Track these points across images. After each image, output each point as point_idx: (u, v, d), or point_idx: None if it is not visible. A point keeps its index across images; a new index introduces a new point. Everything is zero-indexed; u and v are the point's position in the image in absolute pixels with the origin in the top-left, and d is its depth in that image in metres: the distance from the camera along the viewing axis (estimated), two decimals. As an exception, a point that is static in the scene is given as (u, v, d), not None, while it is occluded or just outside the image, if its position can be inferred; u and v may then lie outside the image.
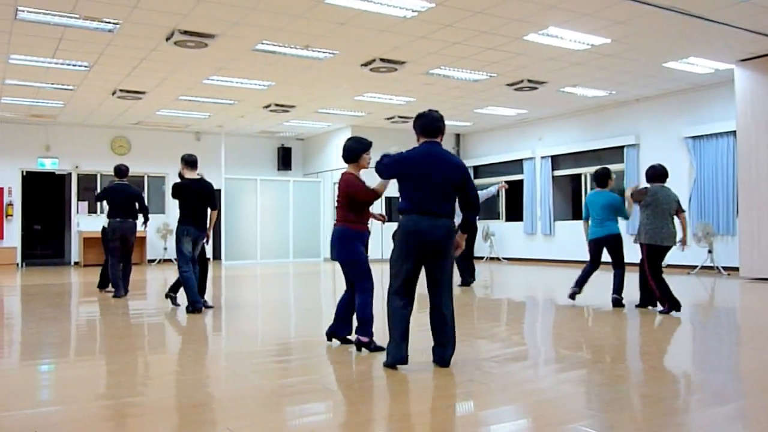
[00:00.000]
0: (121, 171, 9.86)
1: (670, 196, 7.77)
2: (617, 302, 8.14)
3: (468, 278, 11.06)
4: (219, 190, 16.98)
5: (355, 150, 5.59)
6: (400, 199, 4.95)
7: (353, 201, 5.56)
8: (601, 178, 8.53)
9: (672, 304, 7.53)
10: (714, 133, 13.36)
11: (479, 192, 10.96)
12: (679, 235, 7.75)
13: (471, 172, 19.75)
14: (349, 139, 5.70)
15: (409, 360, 4.76)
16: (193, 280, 7.86)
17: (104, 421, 3.66)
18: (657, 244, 7.64)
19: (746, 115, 11.63)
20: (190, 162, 8.07)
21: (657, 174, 7.92)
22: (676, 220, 7.76)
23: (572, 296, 8.49)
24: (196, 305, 7.80)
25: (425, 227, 4.75)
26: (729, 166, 13.06)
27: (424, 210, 4.77)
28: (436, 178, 4.78)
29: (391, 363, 4.74)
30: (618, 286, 8.23)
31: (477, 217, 4.93)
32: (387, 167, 4.97)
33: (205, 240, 8.14)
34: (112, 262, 9.68)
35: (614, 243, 8.44)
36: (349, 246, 5.65)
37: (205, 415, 3.79)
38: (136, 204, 9.78)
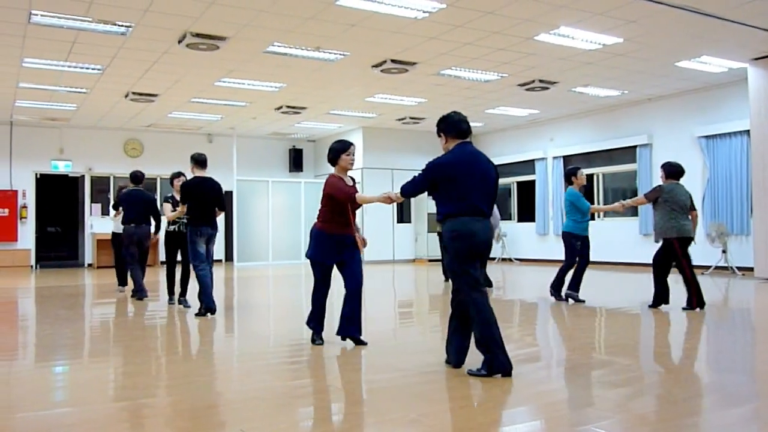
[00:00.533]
0: (136, 177, 9.99)
1: (686, 194, 7.78)
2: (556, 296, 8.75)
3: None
4: (231, 192, 17.06)
5: (335, 150, 5.83)
6: (437, 205, 4.82)
7: (331, 201, 5.67)
8: (566, 177, 8.78)
9: (698, 300, 7.59)
10: (727, 132, 13.27)
11: None
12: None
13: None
14: (333, 142, 5.89)
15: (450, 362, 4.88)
16: (208, 280, 7.83)
17: (118, 423, 3.67)
18: (686, 236, 7.67)
19: (760, 114, 11.54)
20: (200, 161, 8.08)
21: (675, 171, 7.91)
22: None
23: (563, 297, 8.67)
24: (209, 307, 7.75)
25: (482, 229, 4.64)
26: (743, 166, 12.97)
27: (478, 212, 4.64)
28: (483, 178, 4.68)
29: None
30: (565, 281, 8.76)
31: None
32: (423, 174, 4.78)
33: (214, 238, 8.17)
34: (132, 266, 9.76)
35: (563, 239, 8.83)
36: (312, 245, 5.82)
37: (217, 417, 3.80)
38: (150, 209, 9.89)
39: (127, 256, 9.82)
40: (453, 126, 4.82)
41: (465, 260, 4.63)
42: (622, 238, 15.45)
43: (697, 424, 3.64)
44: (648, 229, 14.73)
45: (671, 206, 7.65)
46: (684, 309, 7.71)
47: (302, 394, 4.32)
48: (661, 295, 7.82)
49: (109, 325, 7.91)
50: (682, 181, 7.95)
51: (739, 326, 7.41)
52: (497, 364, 4.50)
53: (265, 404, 4.06)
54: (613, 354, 5.58)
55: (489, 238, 4.70)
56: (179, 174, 9.03)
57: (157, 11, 8.64)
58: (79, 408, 4.02)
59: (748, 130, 12.21)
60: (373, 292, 11.58)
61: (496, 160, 19.23)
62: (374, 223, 18.41)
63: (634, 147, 15.20)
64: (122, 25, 9.18)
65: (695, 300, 7.60)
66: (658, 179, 14.52)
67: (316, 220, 5.82)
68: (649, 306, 7.92)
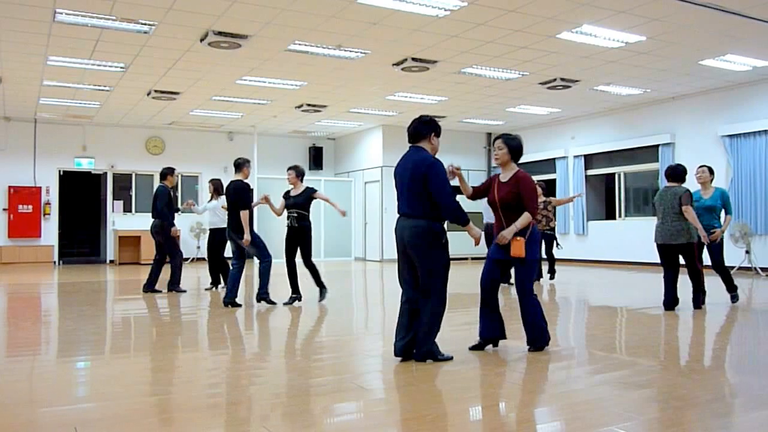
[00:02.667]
0: (161, 174, 10.28)
1: (669, 195, 7.68)
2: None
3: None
4: (251, 190, 17.12)
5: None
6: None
7: None
8: None
9: (667, 302, 7.72)
10: (752, 131, 13.12)
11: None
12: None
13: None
14: None
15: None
16: (235, 276, 8.37)
17: (143, 418, 3.70)
18: (657, 242, 7.80)
19: (786, 113, 11.39)
20: (234, 165, 8.66)
21: (666, 174, 7.95)
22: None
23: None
24: (226, 300, 8.34)
25: (398, 228, 5.04)
26: (767, 165, 12.81)
27: (399, 211, 5.07)
28: (405, 178, 4.97)
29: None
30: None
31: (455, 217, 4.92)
32: None
33: (242, 241, 8.32)
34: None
35: None
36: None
37: (241, 413, 3.83)
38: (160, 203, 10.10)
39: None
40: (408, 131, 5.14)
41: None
42: (643, 238, 15.30)
43: (722, 426, 3.60)
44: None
45: (658, 210, 7.82)
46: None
47: (323, 391, 4.33)
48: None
49: (130, 321, 7.98)
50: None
51: (763, 327, 7.31)
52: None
53: (288, 401, 4.08)
54: (635, 354, 5.54)
55: (401, 236, 4.99)
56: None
57: (180, 10, 8.70)
58: (105, 403, 4.06)
59: (773, 130, 12.06)
60: (393, 291, 11.59)
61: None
62: (393, 222, 18.36)
63: (657, 146, 15.06)
64: (145, 24, 9.25)
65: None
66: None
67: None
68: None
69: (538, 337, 5.36)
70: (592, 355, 5.46)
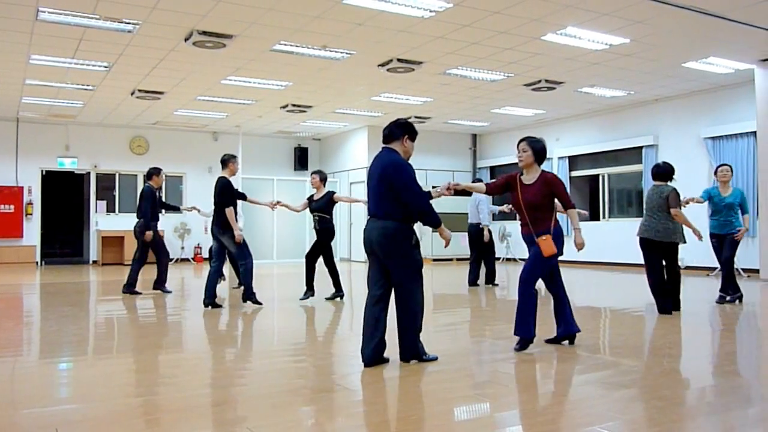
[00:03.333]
0: (147, 174, 10.25)
1: (655, 194, 7.73)
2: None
3: (475, 280, 11.25)
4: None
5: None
6: None
7: None
8: None
9: (666, 305, 7.67)
10: (734, 133, 13.23)
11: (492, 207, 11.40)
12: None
13: (487, 172, 19.69)
14: None
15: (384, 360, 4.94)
16: (211, 276, 8.34)
17: (126, 419, 3.68)
18: (639, 236, 7.83)
19: (767, 116, 11.50)
20: (220, 161, 8.67)
21: (652, 172, 8.00)
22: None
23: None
24: (206, 301, 8.31)
25: (367, 229, 5.03)
26: (749, 167, 12.93)
27: (369, 212, 5.09)
28: (373, 179, 5.04)
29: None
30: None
31: (426, 217, 4.95)
32: None
33: (229, 238, 8.28)
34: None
35: None
36: None
37: (224, 415, 3.81)
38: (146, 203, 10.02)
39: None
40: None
41: None
42: (627, 239, 15.39)
43: (704, 425, 3.63)
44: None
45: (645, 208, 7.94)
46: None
47: (307, 392, 4.32)
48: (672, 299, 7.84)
49: (113, 321, 7.92)
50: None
51: (745, 328, 7.38)
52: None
53: (271, 402, 4.06)
54: (618, 355, 5.57)
55: (369, 237, 4.97)
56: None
57: (164, 9, 8.65)
58: (85, 404, 4.03)
59: (755, 132, 12.18)
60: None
61: (501, 160, 19.25)
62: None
63: (640, 148, 15.16)
64: (129, 23, 9.19)
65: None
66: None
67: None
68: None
69: (526, 334, 5.45)
70: (575, 356, 5.48)
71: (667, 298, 7.59)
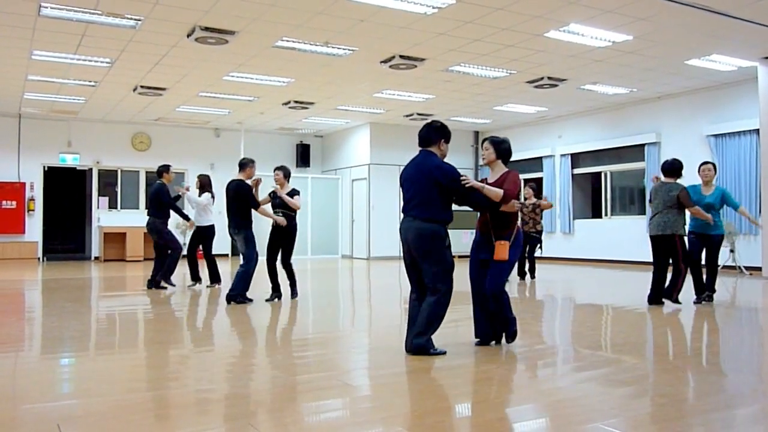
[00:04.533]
0: (157, 170, 10.35)
1: (664, 191, 7.76)
2: None
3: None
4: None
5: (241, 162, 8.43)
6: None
7: None
8: None
9: (652, 296, 7.87)
10: (737, 131, 13.21)
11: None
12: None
13: (489, 170, 19.62)
14: None
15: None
16: (238, 274, 8.34)
17: (128, 415, 3.68)
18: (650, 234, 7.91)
19: (770, 113, 11.47)
20: (239, 164, 8.74)
21: (663, 168, 8.00)
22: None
23: None
24: (228, 295, 8.26)
25: (403, 229, 5.14)
26: (752, 165, 12.91)
27: (405, 212, 5.17)
28: (413, 181, 5.13)
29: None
30: None
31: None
32: None
33: (240, 237, 8.39)
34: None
35: None
36: None
37: (226, 410, 3.81)
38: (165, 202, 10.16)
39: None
40: (418, 135, 5.37)
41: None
42: (629, 237, 15.42)
43: (705, 422, 3.62)
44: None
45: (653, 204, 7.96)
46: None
47: (309, 388, 4.31)
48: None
49: (115, 317, 7.93)
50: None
51: (747, 326, 7.37)
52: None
53: (272, 398, 4.06)
54: (620, 352, 5.57)
55: (405, 237, 5.09)
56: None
57: (167, 5, 8.64)
58: (87, 400, 4.03)
59: (758, 129, 12.15)
60: (379, 289, 11.59)
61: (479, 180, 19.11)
62: (380, 220, 18.42)
63: (643, 145, 15.14)
64: (132, 19, 9.18)
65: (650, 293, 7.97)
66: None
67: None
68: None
69: (511, 326, 5.37)
70: (577, 353, 5.48)
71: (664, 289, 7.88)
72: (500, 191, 5.13)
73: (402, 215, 5.24)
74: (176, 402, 3.99)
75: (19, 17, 9.12)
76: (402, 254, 5.29)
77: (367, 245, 18.59)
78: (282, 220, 8.38)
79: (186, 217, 10.48)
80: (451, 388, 4.35)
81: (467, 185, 5.09)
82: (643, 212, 15.29)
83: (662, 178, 7.96)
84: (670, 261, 7.79)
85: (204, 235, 10.47)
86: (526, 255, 11.63)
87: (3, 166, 17.00)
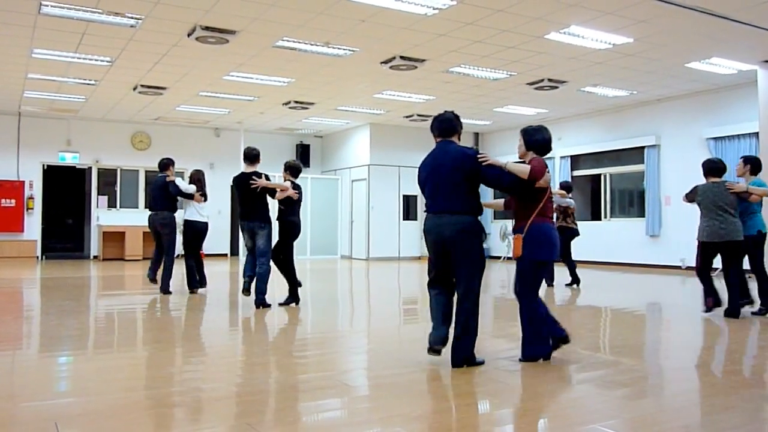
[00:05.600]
0: (161, 164, 9.76)
1: (720, 193, 7.29)
2: None
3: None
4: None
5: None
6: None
7: None
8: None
9: (715, 301, 7.39)
10: (736, 134, 13.21)
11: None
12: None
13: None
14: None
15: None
16: (263, 276, 7.89)
17: (126, 414, 3.67)
18: (700, 240, 7.41)
19: (770, 117, 11.47)
20: (245, 155, 8.33)
21: (706, 169, 7.54)
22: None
23: None
24: (256, 299, 7.88)
25: (434, 225, 4.78)
26: (751, 168, 12.90)
27: (435, 208, 4.80)
28: (444, 171, 4.75)
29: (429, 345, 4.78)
30: None
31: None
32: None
33: (264, 233, 7.98)
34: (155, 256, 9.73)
35: None
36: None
37: (224, 409, 3.80)
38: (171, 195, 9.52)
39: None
40: (438, 125, 4.97)
41: (430, 253, 4.93)
42: (628, 239, 15.42)
43: (704, 424, 3.62)
44: (654, 230, 14.71)
45: (701, 207, 7.44)
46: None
47: (309, 388, 4.31)
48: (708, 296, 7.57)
49: (113, 316, 7.92)
50: (691, 182, 7.85)
51: (747, 328, 7.36)
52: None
53: (272, 398, 4.06)
54: (619, 354, 5.57)
55: (440, 233, 4.72)
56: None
57: (168, 4, 8.64)
58: (85, 398, 4.02)
59: (757, 133, 12.13)
60: (378, 289, 11.59)
61: (503, 159, 19.07)
62: (380, 221, 18.43)
63: (642, 148, 15.14)
64: (132, 17, 9.17)
65: (711, 300, 7.45)
66: (665, 179, 14.55)
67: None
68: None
69: (524, 346, 4.96)
70: (576, 354, 5.48)
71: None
72: (527, 167, 4.75)
73: (427, 213, 4.86)
74: (174, 401, 3.99)
75: (19, 15, 9.11)
76: (430, 252, 4.89)
77: (366, 246, 18.59)
78: (293, 192, 8.06)
79: (202, 195, 9.58)
80: (449, 388, 4.35)
81: (485, 163, 4.73)
82: (642, 214, 15.30)
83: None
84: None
85: (201, 233, 9.65)
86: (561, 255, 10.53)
87: (2, 164, 16.97)
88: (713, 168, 7.47)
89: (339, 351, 5.81)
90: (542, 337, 4.92)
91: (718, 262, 7.51)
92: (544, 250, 4.87)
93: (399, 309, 8.95)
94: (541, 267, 4.91)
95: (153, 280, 9.56)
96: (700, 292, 7.60)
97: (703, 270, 7.51)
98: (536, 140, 5.09)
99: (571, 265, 10.70)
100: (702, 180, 7.56)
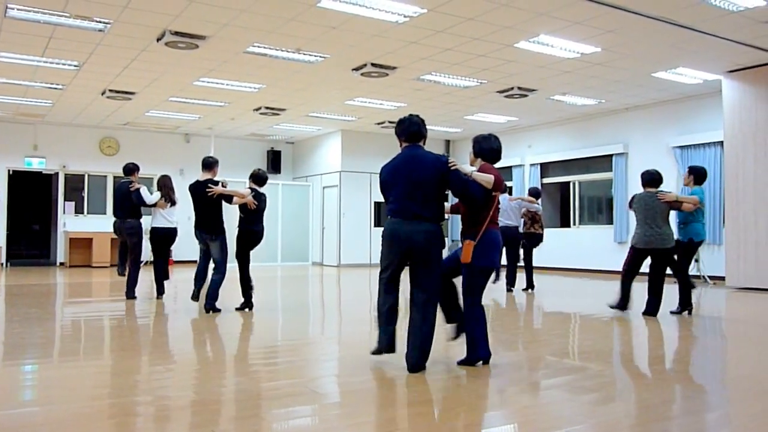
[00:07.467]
0: (125, 168, 9.61)
1: (652, 202, 7.79)
2: None
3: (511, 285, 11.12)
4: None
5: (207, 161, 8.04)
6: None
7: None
8: None
9: (624, 304, 7.92)
10: (702, 143, 13.46)
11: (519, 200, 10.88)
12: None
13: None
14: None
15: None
16: (200, 275, 8.21)
17: (88, 423, 3.62)
18: (633, 245, 7.96)
19: (733, 126, 11.72)
20: (203, 163, 8.33)
21: (644, 180, 8.05)
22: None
23: None
24: (206, 303, 8.04)
25: (402, 231, 4.77)
26: (716, 176, 13.14)
27: (404, 213, 4.78)
28: (416, 177, 4.77)
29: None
30: None
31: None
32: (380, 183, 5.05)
33: (217, 243, 8.14)
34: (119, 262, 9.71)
35: None
36: None
37: (190, 418, 3.76)
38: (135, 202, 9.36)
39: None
40: (404, 129, 5.06)
41: (383, 258, 4.93)
42: (597, 246, 15.60)
43: (669, 429, 3.67)
44: (622, 237, 14.89)
45: (637, 215, 7.95)
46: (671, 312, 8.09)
47: (275, 395, 4.29)
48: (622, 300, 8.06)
49: (80, 324, 7.80)
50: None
51: (711, 334, 7.49)
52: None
53: (239, 406, 4.03)
54: (587, 359, 5.62)
55: (410, 239, 4.73)
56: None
57: (136, 8, 8.56)
58: (49, 407, 3.95)
59: (722, 142, 12.39)
60: (349, 296, 11.57)
61: (468, 168, 19.24)
62: (351, 227, 18.41)
63: (611, 156, 15.35)
64: (100, 22, 9.07)
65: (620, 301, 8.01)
66: (633, 187, 14.73)
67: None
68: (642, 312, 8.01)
69: (468, 349, 4.98)
70: (543, 360, 5.52)
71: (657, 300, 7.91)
72: (491, 177, 4.82)
73: (392, 218, 4.85)
74: (139, 410, 3.94)
75: (-16, 18, 8.97)
76: (391, 255, 4.85)
77: (337, 253, 18.54)
78: (251, 200, 8.12)
79: (168, 201, 9.37)
80: (418, 395, 4.35)
81: (453, 168, 4.77)
82: (611, 222, 15.50)
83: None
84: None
85: (168, 238, 9.52)
86: (522, 259, 11.27)
87: (-34, 169, 16.66)
88: (650, 179, 7.99)
89: (308, 358, 5.78)
90: (486, 340, 4.99)
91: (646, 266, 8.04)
92: (495, 257, 4.95)
93: (369, 315, 8.94)
94: (488, 272, 4.97)
95: (122, 274, 9.54)
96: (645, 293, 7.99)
97: (628, 273, 8.05)
98: (483, 148, 5.25)
99: (530, 270, 11.27)
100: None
